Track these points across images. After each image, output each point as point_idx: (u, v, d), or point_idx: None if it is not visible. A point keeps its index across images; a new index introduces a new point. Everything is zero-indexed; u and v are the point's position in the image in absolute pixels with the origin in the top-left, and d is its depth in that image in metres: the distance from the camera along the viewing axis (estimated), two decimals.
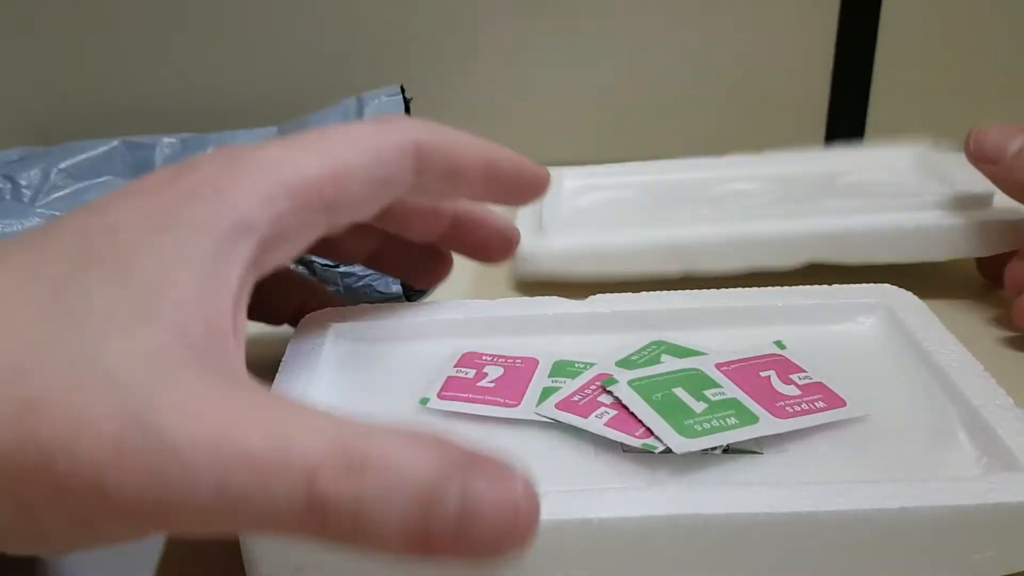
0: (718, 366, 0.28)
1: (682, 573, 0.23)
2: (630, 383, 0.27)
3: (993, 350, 0.35)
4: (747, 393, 0.27)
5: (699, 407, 0.26)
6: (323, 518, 0.16)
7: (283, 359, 0.30)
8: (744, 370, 0.28)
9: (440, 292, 0.36)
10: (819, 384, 0.28)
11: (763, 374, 0.28)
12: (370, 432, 0.17)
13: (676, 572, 0.23)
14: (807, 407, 0.27)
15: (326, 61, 0.54)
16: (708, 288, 0.33)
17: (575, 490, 0.23)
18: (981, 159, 0.35)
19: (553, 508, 0.22)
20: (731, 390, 0.27)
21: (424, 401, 0.28)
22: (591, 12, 0.54)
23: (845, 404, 0.27)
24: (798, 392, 0.27)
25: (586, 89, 0.56)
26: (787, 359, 0.29)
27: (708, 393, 0.27)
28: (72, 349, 0.18)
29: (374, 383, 0.30)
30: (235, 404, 0.18)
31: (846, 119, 0.56)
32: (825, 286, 0.33)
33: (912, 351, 0.30)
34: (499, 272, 0.42)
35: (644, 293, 0.33)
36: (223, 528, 0.17)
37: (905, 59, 0.55)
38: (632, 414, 0.26)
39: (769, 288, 0.33)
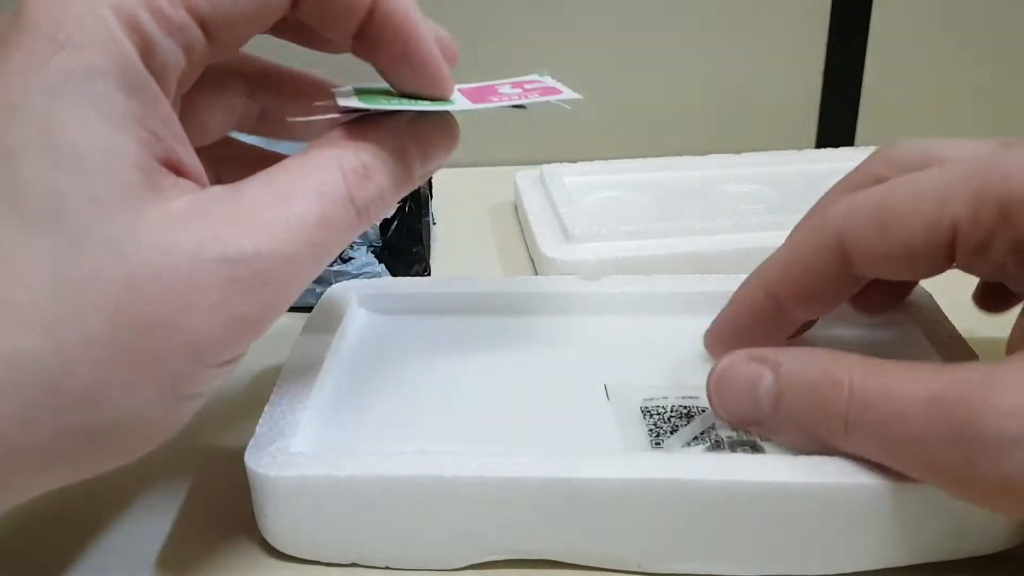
0: (463, 89, 0.27)
1: (660, 534, 0.25)
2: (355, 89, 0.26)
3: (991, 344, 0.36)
4: (465, 96, 0.26)
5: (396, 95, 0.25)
6: (368, 215, 0.23)
7: (303, 327, 0.31)
8: (485, 89, 0.27)
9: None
10: (548, 88, 0.27)
11: (500, 88, 0.27)
12: (339, 144, 0.23)
13: (655, 533, 0.25)
14: (518, 95, 0.26)
15: (325, 60, 0.55)
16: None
17: (563, 451, 0.25)
18: (740, 423, 0.26)
19: (541, 467, 0.24)
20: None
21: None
22: (591, 14, 0.55)
23: (561, 92, 0.27)
24: (519, 91, 0.27)
25: (584, 91, 0.57)
26: (541, 83, 0.28)
27: None
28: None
29: (391, 353, 0.32)
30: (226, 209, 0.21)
31: (836, 123, 0.58)
32: None
33: (912, 338, 0.31)
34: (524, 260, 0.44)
35: (655, 276, 0.34)
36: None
37: (894, 66, 0.56)
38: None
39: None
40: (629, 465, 0.24)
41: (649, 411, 0.28)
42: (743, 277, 0.33)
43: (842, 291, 0.27)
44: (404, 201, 0.40)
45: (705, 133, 0.57)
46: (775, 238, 0.39)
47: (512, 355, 0.32)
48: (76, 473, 0.22)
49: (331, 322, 0.32)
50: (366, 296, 0.34)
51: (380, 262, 0.39)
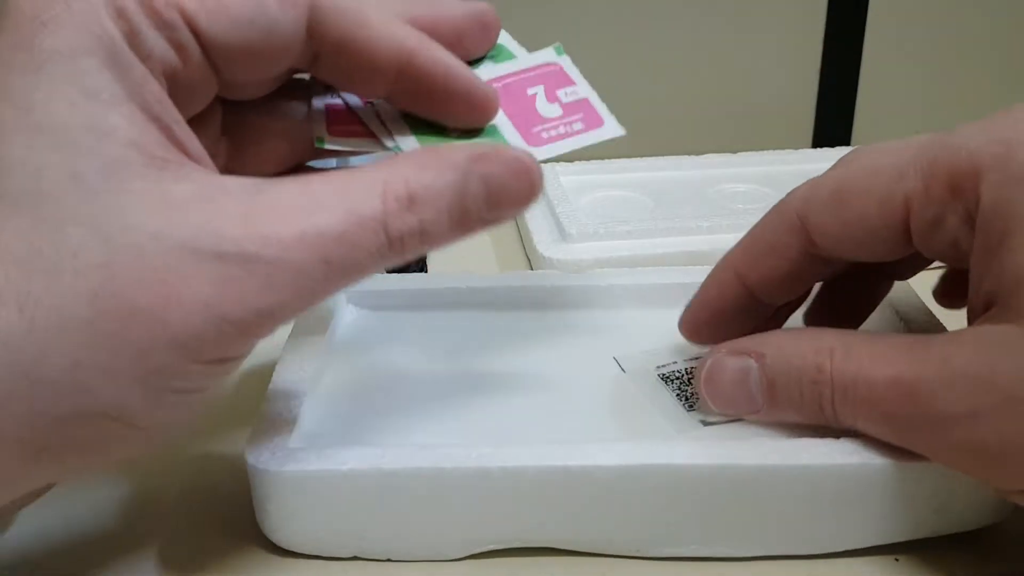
0: (489, 81, 0.27)
1: (658, 519, 0.25)
2: None
3: None
4: (509, 117, 0.27)
5: (455, 133, 0.26)
6: (401, 247, 0.21)
7: (295, 323, 0.31)
8: (514, 87, 0.28)
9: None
10: (583, 101, 0.28)
11: (531, 91, 0.28)
12: (395, 167, 0.21)
13: (653, 518, 0.25)
14: (564, 131, 0.27)
15: None
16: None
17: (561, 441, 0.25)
18: (736, 414, 0.27)
19: (540, 456, 0.24)
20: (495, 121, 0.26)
21: (319, 141, 0.27)
22: (588, 14, 0.55)
23: (603, 123, 0.27)
24: (559, 112, 0.27)
25: None
26: (562, 70, 0.29)
27: None
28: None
29: (383, 349, 0.32)
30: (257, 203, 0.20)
31: (832, 123, 0.58)
32: None
33: (894, 327, 0.31)
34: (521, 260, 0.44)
35: (640, 268, 0.35)
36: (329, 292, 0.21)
37: (889, 66, 0.57)
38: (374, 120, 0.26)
39: None
40: (627, 452, 0.24)
41: (667, 377, 0.28)
42: None
43: (807, 273, 0.27)
44: None
45: (702, 133, 0.58)
46: None
47: (505, 348, 0.32)
48: (60, 470, 0.21)
49: (322, 319, 0.32)
50: (355, 292, 0.34)
51: None
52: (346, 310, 0.34)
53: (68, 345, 0.19)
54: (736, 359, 0.26)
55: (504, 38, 0.29)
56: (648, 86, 0.57)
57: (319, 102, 0.27)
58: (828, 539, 0.25)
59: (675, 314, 0.33)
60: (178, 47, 0.21)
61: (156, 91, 0.21)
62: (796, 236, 0.26)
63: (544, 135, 0.27)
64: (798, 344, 0.25)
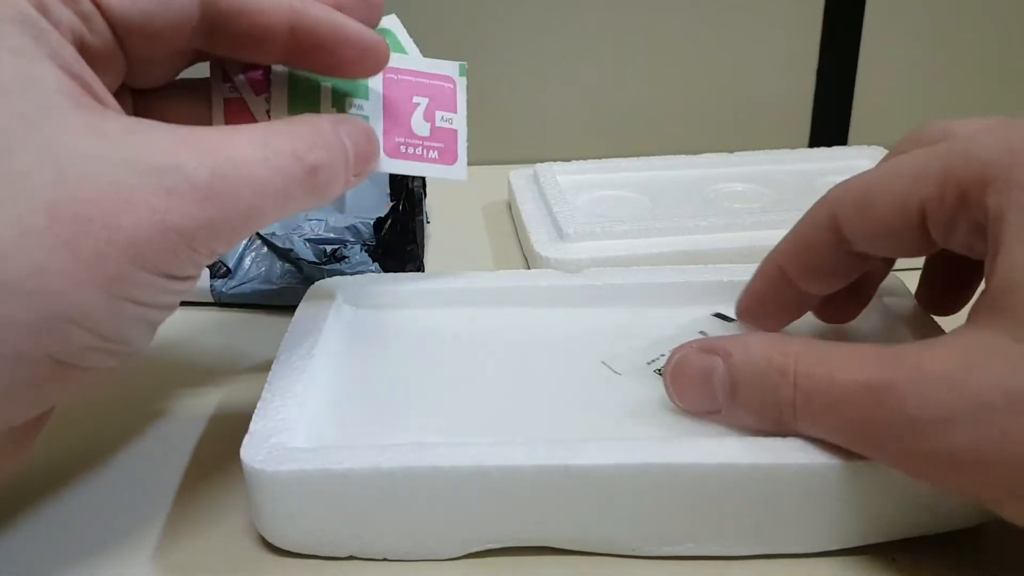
0: (389, 70, 0.29)
1: (654, 518, 0.25)
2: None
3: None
4: (384, 117, 0.29)
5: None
6: (315, 176, 0.25)
7: (291, 323, 0.31)
8: (405, 87, 0.29)
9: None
10: (452, 133, 0.29)
11: (415, 99, 0.29)
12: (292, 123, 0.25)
13: (649, 517, 0.25)
14: (419, 153, 0.29)
15: None
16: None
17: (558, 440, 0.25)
18: (700, 413, 0.27)
19: (537, 455, 0.24)
20: (372, 108, 0.29)
21: None
22: (585, 13, 0.55)
23: (455, 162, 0.29)
24: (426, 134, 0.29)
25: (578, 90, 0.57)
26: (453, 92, 0.30)
27: (348, 102, 0.29)
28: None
29: (380, 348, 0.32)
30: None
31: (829, 122, 0.58)
32: None
33: (887, 325, 0.31)
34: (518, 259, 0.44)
35: (635, 268, 0.35)
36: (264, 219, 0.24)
37: (886, 65, 0.57)
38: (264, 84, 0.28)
39: (754, 264, 0.35)
40: (624, 451, 0.24)
41: (662, 371, 0.28)
42: (723, 268, 0.35)
43: (842, 267, 0.28)
44: (398, 200, 0.40)
45: (699, 132, 0.58)
46: (769, 237, 0.40)
47: (502, 347, 0.32)
48: (33, 393, 0.22)
49: (317, 318, 0.32)
50: (350, 292, 0.34)
51: (374, 261, 0.40)
52: (342, 309, 0.33)
53: (29, 249, 0.20)
54: (702, 356, 0.26)
55: (394, 25, 0.30)
56: (645, 85, 0.57)
57: (218, 95, 0.29)
58: (823, 538, 0.25)
59: (672, 313, 0.33)
60: (83, 17, 0.23)
61: (72, 53, 0.23)
62: (831, 233, 0.27)
63: (402, 149, 0.28)
64: (766, 346, 0.25)
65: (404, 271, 0.40)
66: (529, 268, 0.42)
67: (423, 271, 0.42)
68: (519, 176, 0.49)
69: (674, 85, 0.57)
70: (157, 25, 0.25)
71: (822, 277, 0.28)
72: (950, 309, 0.30)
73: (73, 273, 0.21)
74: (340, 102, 0.29)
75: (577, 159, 0.49)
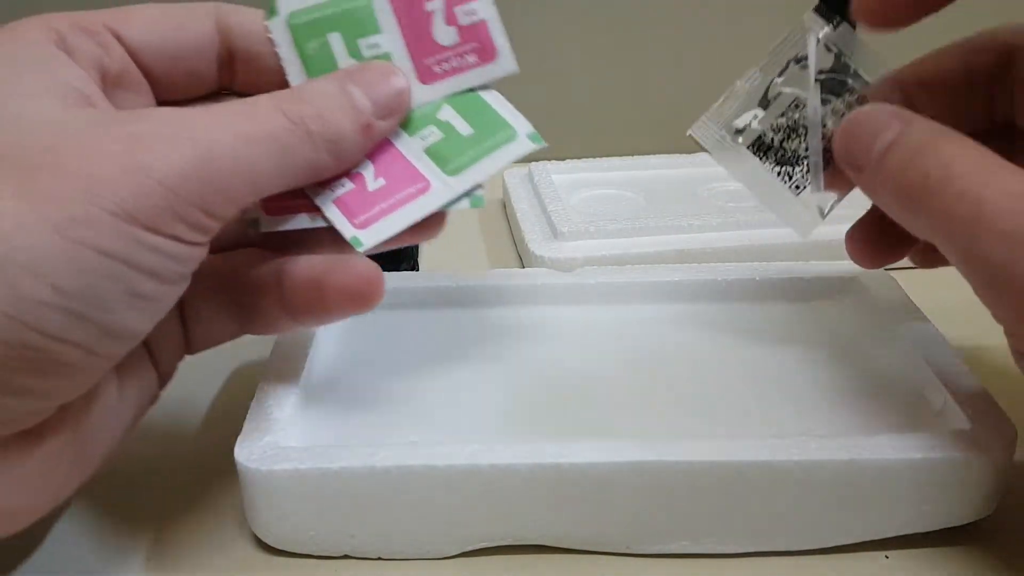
0: None
1: (648, 516, 0.25)
2: (289, 19, 0.26)
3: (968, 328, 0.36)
4: (404, 41, 0.26)
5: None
6: (307, 133, 0.24)
7: None
8: (413, 2, 0.27)
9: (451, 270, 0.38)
10: (481, 25, 0.26)
11: (429, 6, 0.27)
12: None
13: (643, 514, 0.25)
14: (457, 63, 0.27)
15: None
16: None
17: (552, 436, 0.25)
18: (847, 164, 0.26)
19: (531, 454, 0.24)
20: (389, 41, 0.26)
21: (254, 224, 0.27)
22: (581, 13, 0.55)
23: (496, 56, 0.27)
24: (455, 40, 0.26)
25: (575, 89, 0.57)
26: None
27: (363, 44, 0.26)
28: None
29: (374, 347, 0.32)
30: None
31: None
32: (801, 262, 0.35)
33: (880, 322, 0.31)
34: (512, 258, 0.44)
35: (628, 267, 0.35)
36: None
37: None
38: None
39: (748, 264, 0.35)
40: (617, 449, 0.24)
41: (760, 146, 0.29)
42: (717, 266, 0.35)
43: (965, 100, 0.28)
44: None
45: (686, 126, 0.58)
46: (762, 236, 0.41)
47: (497, 346, 0.32)
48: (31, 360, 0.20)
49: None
50: None
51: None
52: None
53: (6, 189, 0.20)
54: (888, 115, 0.25)
55: None
56: (639, 85, 0.57)
57: None
58: (818, 535, 0.25)
59: (669, 311, 0.33)
60: (102, 46, 0.25)
61: (81, 75, 0.24)
62: (993, 55, 0.28)
63: (435, 69, 0.26)
64: (951, 135, 0.24)
65: (399, 270, 0.40)
66: (524, 267, 0.43)
67: (417, 270, 0.42)
68: (514, 175, 0.49)
69: (668, 84, 0.57)
70: (174, 49, 0.26)
71: (951, 93, 0.28)
72: (875, 263, 0.30)
73: (18, 212, 0.19)
74: (355, 50, 0.27)
75: (572, 158, 0.49)
